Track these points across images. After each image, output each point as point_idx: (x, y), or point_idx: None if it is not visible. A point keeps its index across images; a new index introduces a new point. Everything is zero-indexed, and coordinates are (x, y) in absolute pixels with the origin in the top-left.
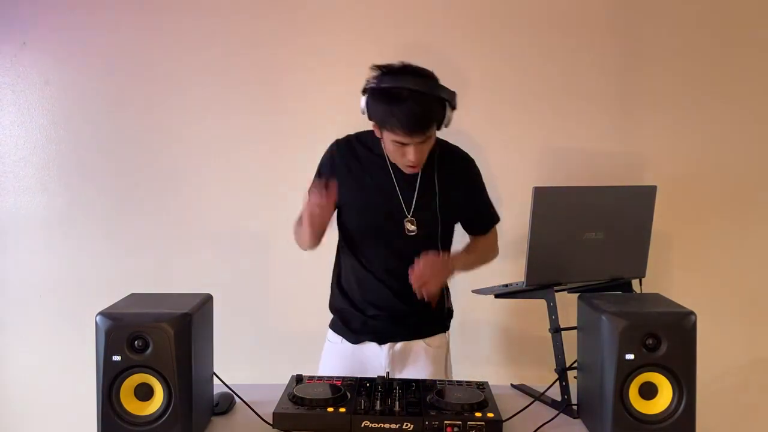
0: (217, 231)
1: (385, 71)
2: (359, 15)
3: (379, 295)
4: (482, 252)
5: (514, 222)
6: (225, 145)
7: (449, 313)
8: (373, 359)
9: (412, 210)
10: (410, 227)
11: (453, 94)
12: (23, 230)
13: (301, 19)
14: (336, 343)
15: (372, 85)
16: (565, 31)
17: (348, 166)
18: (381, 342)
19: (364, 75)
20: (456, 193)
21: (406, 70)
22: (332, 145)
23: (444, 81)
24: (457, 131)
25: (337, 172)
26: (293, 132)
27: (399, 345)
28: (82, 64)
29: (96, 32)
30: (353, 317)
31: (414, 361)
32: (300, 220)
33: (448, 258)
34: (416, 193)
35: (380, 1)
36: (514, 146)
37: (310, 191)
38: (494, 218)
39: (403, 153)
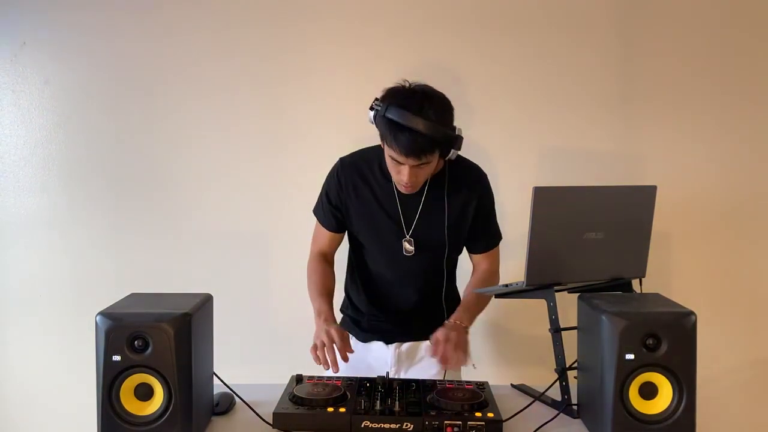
0: (217, 231)
1: (394, 100)
2: (361, 18)
3: (386, 306)
4: (485, 292)
5: (514, 222)
6: (225, 145)
7: None
8: (379, 358)
9: (411, 230)
10: (408, 247)
11: (458, 139)
12: (23, 230)
13: (304, 23)
14: None
15: (377, 108)
16: (565, 31)
17: (354, 185)
18: (388, 342)
19: (365, 78)
20: (466, 211)
21: (415, 103)
22: (337, 165)
23: (443, 81)
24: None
25: (344, 191)
26: (294, 132)
27: (406, 345)
28: (82, 64)
29: (96, 32)
30: (362, 318)
31: (420, 362)
32: (311, 286)
33: (460, 323)
34: (419, 213)
35: (380, 2)
36: (514, 146)
37: (327, 334)
38: (497, 237)
39: (398, 171)
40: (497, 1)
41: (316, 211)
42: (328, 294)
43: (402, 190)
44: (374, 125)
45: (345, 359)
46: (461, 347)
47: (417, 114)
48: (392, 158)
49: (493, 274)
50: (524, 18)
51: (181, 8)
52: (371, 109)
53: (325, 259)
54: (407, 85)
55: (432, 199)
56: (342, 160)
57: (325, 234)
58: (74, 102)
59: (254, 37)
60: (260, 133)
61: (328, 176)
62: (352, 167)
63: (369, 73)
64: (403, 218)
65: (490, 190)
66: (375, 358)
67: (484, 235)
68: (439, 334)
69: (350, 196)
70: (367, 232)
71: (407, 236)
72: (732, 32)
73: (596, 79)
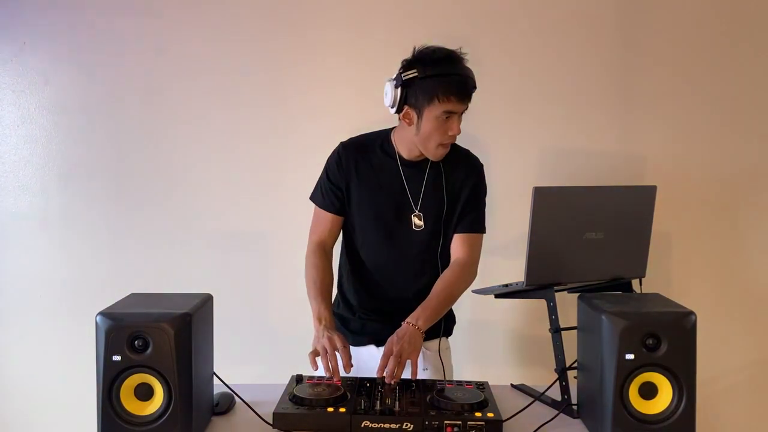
0: (217, 231)
1: (429, 57)
2: (363, 14)
3: (378, 298)
4: (450, 287)
5: (514, 222)
6: (225, 145)
7: (450, 318)
8: (369, 361)
9: (419, 205)
10: (417, 222)
11: None
12: (23, 230)
13: (304, 19)
14: None
15: (413, 75)
16: (565, 31)
17: (356, 166)
18: (379, 345)
19: (365, 76)
20: (462, 191)
21: (451, 51)
22: (338, 147)
23: None
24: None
25: (345, 172)
26: (294, 132)
27: None
28: (82, 64)
29: (96, 32)
30: (353, 320)
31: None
32: (309, 283)
33: (414, 324)
34: (423, 188)
35: (382, 1)
36: (514, 146)
37: (328, 339)
38: (481, 226)
39: (446, 128)
40: (497, 1)
41: (314, 197)
42: (326, 293)
43: (439, 153)
44: (398, 106)
45: (347, 370)
46: (413, 356)
47: (459, 58)
48: (444, 112)
49: (466, 266)
50: (524, 18)
51: (181, 7)
52: (399, 85)
53: (324, 251)
54: (419, 47)
55: (434, 175)
56: (342, 142)
57: (325, 219)
58: (74, 102)
59: (256, 35)
60: (261, 132)
61: (328, 158)
62: (352, 147)
63: (370, 73)
64: (410, 194)
65: (485, 180)
66: (366, 362)
67: (470, 216)
68: (388, 347)
69: (351, 174)
70: (367, 211)
71: (416, 211)
72: (732, 32)
73: (596, 79)
